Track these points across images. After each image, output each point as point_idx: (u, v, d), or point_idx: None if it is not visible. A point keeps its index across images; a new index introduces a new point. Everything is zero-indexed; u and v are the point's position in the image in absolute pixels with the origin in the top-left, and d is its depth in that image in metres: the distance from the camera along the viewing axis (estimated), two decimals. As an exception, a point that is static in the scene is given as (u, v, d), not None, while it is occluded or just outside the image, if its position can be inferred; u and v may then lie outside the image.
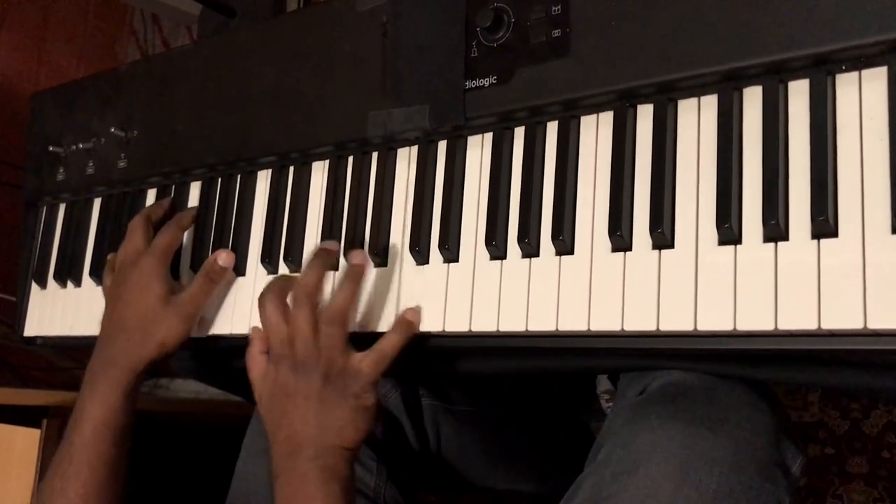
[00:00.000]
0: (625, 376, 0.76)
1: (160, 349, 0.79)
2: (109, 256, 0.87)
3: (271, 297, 0.70)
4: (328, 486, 0.65)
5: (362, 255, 0.71)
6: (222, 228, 0.85)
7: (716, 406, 0.61)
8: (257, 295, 0.79)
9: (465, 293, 0.67)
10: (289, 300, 0.70)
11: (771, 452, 0.60)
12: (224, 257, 0.80)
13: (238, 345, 0.80)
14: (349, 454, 0.67)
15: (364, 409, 0.67)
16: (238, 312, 0.81)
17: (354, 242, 0.74)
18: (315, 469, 0.65)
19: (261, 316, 0.71)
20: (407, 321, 0.68)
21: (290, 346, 0.68)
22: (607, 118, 0.63)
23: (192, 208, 0.87)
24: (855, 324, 0.50)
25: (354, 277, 0.70)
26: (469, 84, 0.68)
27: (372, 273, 0.73)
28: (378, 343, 0.68)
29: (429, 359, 0.74)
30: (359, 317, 0.73)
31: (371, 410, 0.68)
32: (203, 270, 0.80)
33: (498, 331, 0.65)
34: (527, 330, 0.63)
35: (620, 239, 0.60)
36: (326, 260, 0.72)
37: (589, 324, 0.60)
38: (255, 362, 0.72)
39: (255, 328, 0.73)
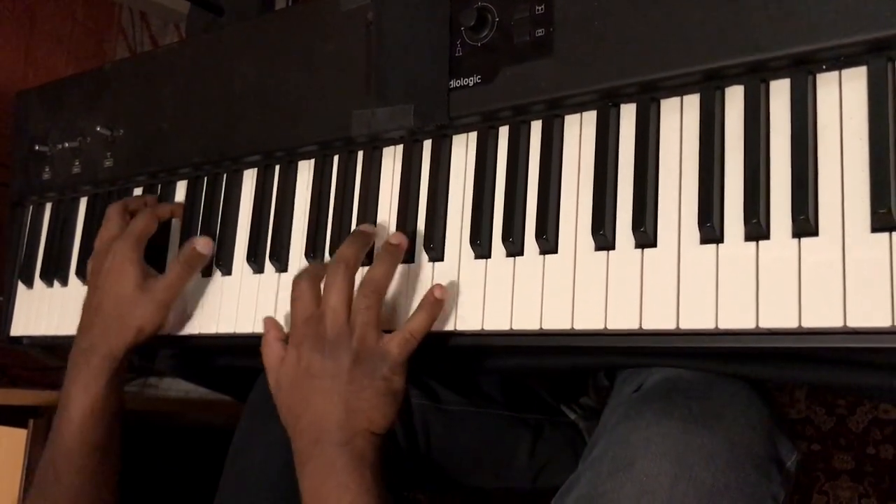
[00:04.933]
0: (621, 373, 0.77)
1: (138, 335, 0.78)
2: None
3: (307, 276, 0.68)
4: (360, 474, 0.62)
5: (403, 237, 0.69)
6: (208, 228, 0.85)
7: (711, 402, 0.61)
8: (243, 295, 0.80)
9: (451, 292, 0.67)
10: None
11: (766, 447, 0.61)
12: (202, 243, 0.79)
13: (225, 344, 0.80)
14: (377, 440, 0.65)
15: (393, 392, 0.65)
16: (224, 312, 0.81)
17: (340, 242, 0.74)
18: (344, 456, 0.62)
19: (292, 293, 0.68)
20: (436, 299, 0.65)
21: (319, 323, 0.66)
22: (590, 118, 0.64)
23: (175, 204, 0.87)
24: (835, 322, 0.50)
25: (392, 256, 0.67)
26: (453, 83, 0.68)
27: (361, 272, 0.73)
28: (406, 323, 0.65)
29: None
30: None
31: (399, 395, 0.65)
32: (181, 256, 0.79)
33: (482, 329, 0.65)
34: (511, 329, 0.63)
35: (603, 238, 0.60)
36: (364, 239, 0.69)
37: (573, 322, 0.60)
38: (271, 348, 0.69)
39: (267, 318, 0.72)
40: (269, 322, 0.71)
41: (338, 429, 0.63)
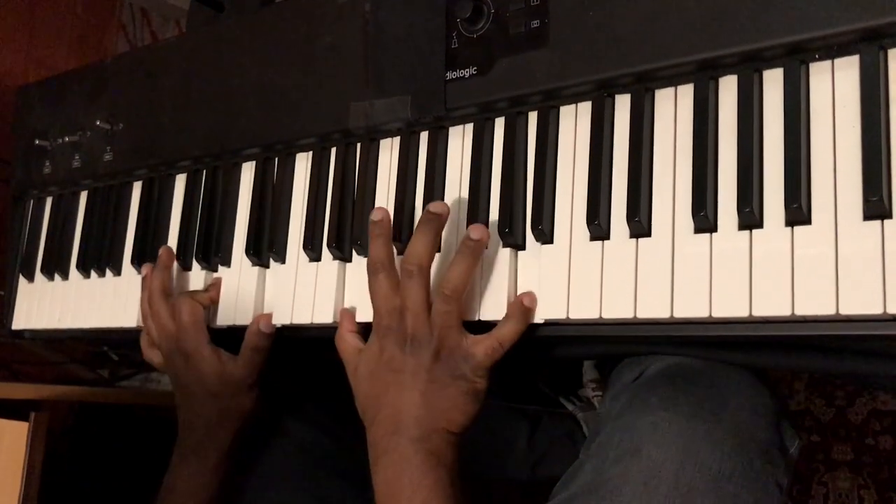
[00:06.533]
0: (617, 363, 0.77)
1: (241, 421, 0.79)
2: (143, 329, 0.84)
3: (381, 267, 0.65)
4: (435, 473, 0.61)
5: (483, 230, 0.64)
6: (208, 220, 0.85)
7: (716, 389, 0.62)
8: (241, 286, 0.80)
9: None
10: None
11: (771, 435, 0.61)
12: (264, 323, 0.77)
13: (223, 336, 0.81)
14: (455, 439, 0.64)
15: (475, 392, 0.63)
16: (224, 304, 0.81)
17: (340, 233, 0.75)
18: (421, 453, 0.62)
19: (370, 286, 0.66)
20: (525, 308, 0.62)
21: (401, 318, 0.64)
22: (586, 108, 0.64)
23: (211, 290, 0.83)
24: (828, 310, 0.51)
25: (472, 252, 0.63)
26: (450, 75, 0.69)
27: (358, 263, 0.74)
28: (495, 330, 0.63)
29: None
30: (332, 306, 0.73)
31: (481, 396, 0.64)
32: (248, 343, 0.78)
33: (479, 320, 0.65)
34: (507, 319, 0.64)
35: (598, 228, 0.60)
36: (436, 224, 0.65)
37: (568, 312, 0.61)
38: (345, 340, 0.69)
39: (343, 309, 0.71)
40: (344, 314, 0.71)
41: (416, 424, 0.62)
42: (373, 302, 0.66)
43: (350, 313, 0.71)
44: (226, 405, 0.79)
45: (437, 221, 0.65)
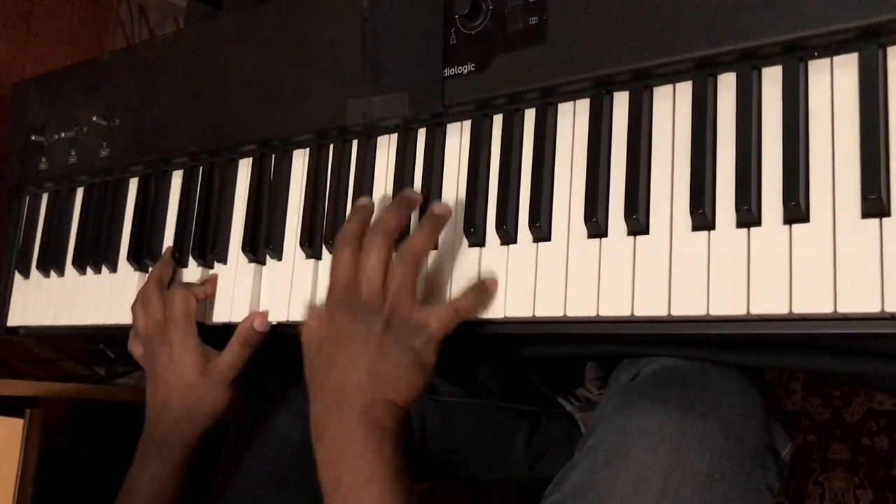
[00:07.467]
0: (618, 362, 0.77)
1: (211, 420, 0.78)
2: (133, 323, 0.83)
3: (350, 240, 0.66)
4: (378, 445, 0.60)
5: (447, 208, 0.66)
6: (204, 217, 0.85)
7: (707, 391, 0.62)
8: (237, 284, 0.80)
9: (445, 280, 0.67)
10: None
11: (762, 437, 0.61)
12: (259, 321, 0.76)
13: (216, 333, 0.81)
14: (399, 412, 0.62)
15: (423, 365, 0.62)
16: (221, 301, 0.81)
17: (335, 230, 0.75)
18: (363, 425, 0.60)
19: (333, 257, 0.66)
20: (486, 287, 0.63)
21: (355, 287, 0.64)
22: (584, 105, 0.63)
23: (208, 284, 0.82)
24: (825, 308, 0.50)
25: (436, 222, 0.65)
26: (448, 71, 0.68)
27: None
28: (453, 301, 0.63)
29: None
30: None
31: (429, 370, 0.63)
32: (239, 336, 0.77)
33: (476, 317, 0.65)
34: (504, 317, 0.63)
35: (596, 225, 0.60)
36: (407, 205, 0.67)
37: (565, 310, 0.60)
38: (307, 326, 0.67)
39: (313, 307, 0.71)
40: (314, 310, 0.70)
41: (359, 394, 0.61)
42: (331, 274, 0.66)
43: (318, 309, 0.70)
44: (200, 398, 0.77)
45: (409, 204, 0.67)
